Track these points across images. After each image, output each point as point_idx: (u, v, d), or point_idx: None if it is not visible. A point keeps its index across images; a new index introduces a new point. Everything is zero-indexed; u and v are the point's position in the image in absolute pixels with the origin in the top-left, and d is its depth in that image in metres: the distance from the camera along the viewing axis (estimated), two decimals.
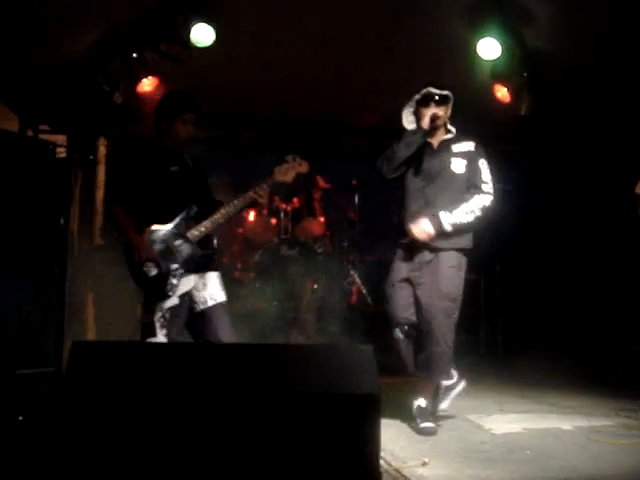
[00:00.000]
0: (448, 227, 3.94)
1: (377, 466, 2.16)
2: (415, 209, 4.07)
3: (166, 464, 2.09)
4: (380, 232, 7.65)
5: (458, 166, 4.09)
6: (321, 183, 6.98)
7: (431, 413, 4.01)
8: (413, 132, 4.11)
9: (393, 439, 3.70)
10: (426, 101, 4.08)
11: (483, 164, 4.12)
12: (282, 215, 6.90)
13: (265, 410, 2.07)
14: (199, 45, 5.25)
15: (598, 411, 4.54)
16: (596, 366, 6.30)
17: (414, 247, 4.05)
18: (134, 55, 5.29)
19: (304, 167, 4.11)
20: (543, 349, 6.79)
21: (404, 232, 4.07)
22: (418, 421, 3.94)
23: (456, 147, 4.13)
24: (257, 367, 2.20)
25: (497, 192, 4.15)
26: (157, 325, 3.80)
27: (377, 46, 5.96)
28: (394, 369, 5.99)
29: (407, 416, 4.26)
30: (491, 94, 6.06)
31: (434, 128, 4.10)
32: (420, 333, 4.01)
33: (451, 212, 3.95)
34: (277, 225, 6.93)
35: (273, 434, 2.07)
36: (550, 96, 6.21)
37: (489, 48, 5.75)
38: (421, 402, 4.03)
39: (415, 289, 4.03)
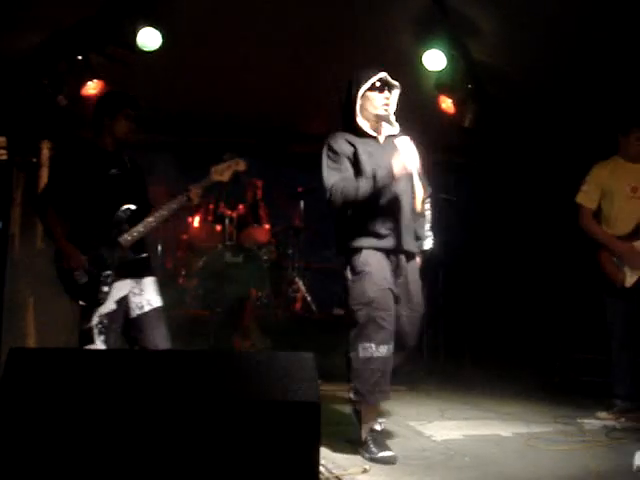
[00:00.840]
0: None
1: (316, 474, 2.16)
2: (385, 213, 3.68)
3: (101, 472, 2.05)
4: (325, 239, 7.69)
5: None
6: (259, 193, 6.97)
7: None
8: (383, 181, 3.57)
9: (334, 447, 3.69)
10: (383, 87, 3.75)
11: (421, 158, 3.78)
12: (227, 222, 6.87)
13: (203, 418, 2.05)
14: (146, 49, 5.19)
15: (537, 418, 4.62)
16: (536, 373, 6.42)
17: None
18: (79, 58, 5.20)
19: (241, 165, 4.04)
20: (485, 357, 6.90)
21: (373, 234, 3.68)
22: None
23: (397, 142, 3.66)
24: (196, 374, 2.17)
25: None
26: (95, 332, 3.72)
27: (324, 54, 5.98)
28: (338, 376, 6.05)
29: (349, 423, 4.27)
30: (436, 105, 6.14)
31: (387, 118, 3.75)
32: None
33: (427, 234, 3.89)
34: (222, 231, 6.89)
35: (210, 442, 2.05)
36: (493, 108, 6.33)
37: (434, 59, 5.83)
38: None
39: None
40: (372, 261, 3.62)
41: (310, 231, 7.42)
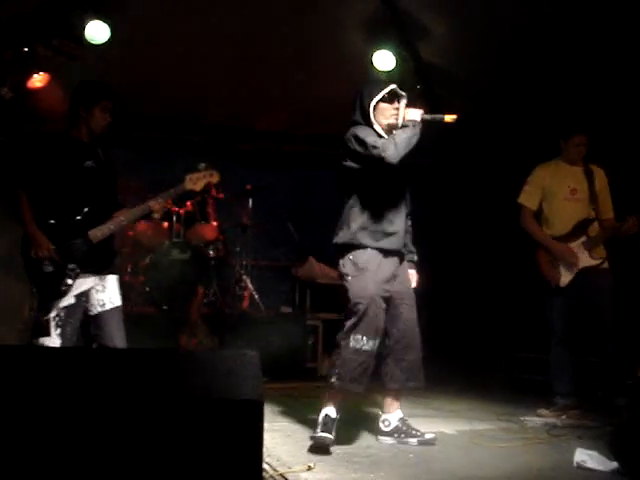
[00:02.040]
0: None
1: (259, 472, 2.14)
2: (391, 214, 3.87)
3: (40, 471, 2.00)
4: (274, 238, 7.69)
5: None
6: (213, 192, 6.91)
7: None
8: (413, 124, 3.77)
9: (280, 444, 3.69)
10: (393, 98, 3.90)
11: None
12: (174, 218, 6.80)
13: (144, 417, 2.02)
14: (94, 42, 5.12)
15: (480, 415, 4.70)
16: (480, 372, 6.52)
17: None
18: (25, 49, 5.08)
19: (215, 178, 4.05)
20: (431, 355, 6.95)
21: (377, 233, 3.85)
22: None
23: None
24: (138, 373, 2.14)
25: None
26: (52, 324, 3.67)
27: (275, 51, 5.99)
28: (284, 374, 6.06)
29: (295, 421, 4.28)
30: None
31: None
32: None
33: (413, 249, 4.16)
34: (169, 228, 6.81)
35: (153, 441, 2.02)
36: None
37: (384, 59, 5.88)
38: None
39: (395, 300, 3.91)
40: (375, 260, 3.81)
41: (258, 229, 7.39)
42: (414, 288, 4.07)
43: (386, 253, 3.85)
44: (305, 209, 7.71)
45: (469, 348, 6.98)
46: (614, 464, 3.23)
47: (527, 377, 6.16)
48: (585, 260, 4.89)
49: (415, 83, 6.13)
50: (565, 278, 4.89)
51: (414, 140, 3.74)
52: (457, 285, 7.59)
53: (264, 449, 3.39)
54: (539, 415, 4.73)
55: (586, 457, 3.33)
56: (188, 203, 6.92)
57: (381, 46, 5.84)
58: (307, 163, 8.05)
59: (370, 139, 3.75)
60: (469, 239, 7.66)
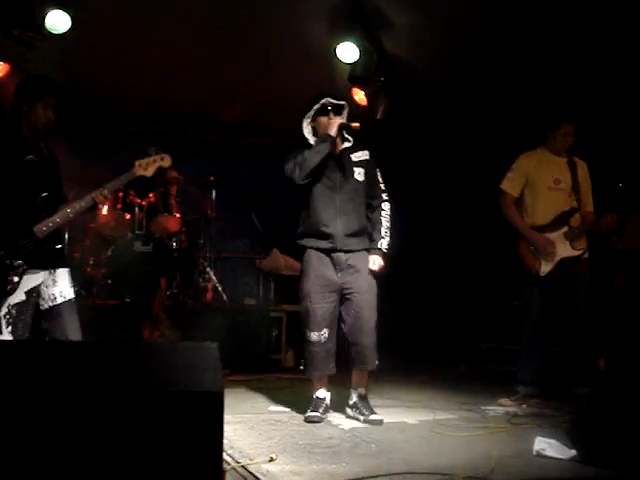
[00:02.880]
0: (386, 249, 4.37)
1: (219, 464, 2.14)
2: (326, 217, 4.22)
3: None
4: (238, 229, 7.66)
5: (359, 174, 4.33)
6: (175, 174, 6.85)
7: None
8: (322, 140, 4.21)
9: (243, 436, 3.68)
10: (326, 111, 4.25)
11: (378, 171, 4.46)
12: (137, 210, 6.74)
13: (103, 409, 2.00)
14: (54, 32, 5.03)
15: (442, 405, 4.73)
16: (444, 363, 6.58)
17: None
18: None
19: (166, 161, 3.99)
20: (393, 347, 7.00)
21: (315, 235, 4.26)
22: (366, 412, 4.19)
23: (355, 156, 4.36)
24: (98, 365, 2.12)
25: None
26: (3, 322, 3.60)
27: (238, 43, 5.94)
28: (248, 366, 6.06)
29: (259, 412, 4.28)
30: (349, 97, 6.19)
31: (342, 136, 4.32)
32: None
33: (383, 236, 4.36)
34: (131, 220, 6.75)
35: (112, 434, 2.00)
36: (405, 102, 6.43)
37: (348, 52, 5.87)
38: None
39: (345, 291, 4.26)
40: (313, 259, 4.24)
41: (222, 221, 7.36)
42: (376, 272, 4.31)
43: (326, 252, 4.23)
44: (269, 201, 7.68)
45: (433, 339, 7.03)
46: (572, 452, 3.28)
47: (490, 367, 6.23)
48: (566, 250, 4.91)
49: (379, 75, 6.14)
50: (545, 267, 4.91)
51: (318, 158, 4.17)
52: (421, 276, 7.63)
53: (226, 441, 3.44)
54: (500, 404, 4.78)
55: (545, 445, 3.37)
56: (151, 195, 6.87)
57: (345, 38, 5.83)
58: (272, 155, 7.99)
59: (288, 165, 4.26)
60: (432, 231, 7.71)
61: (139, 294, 6.41)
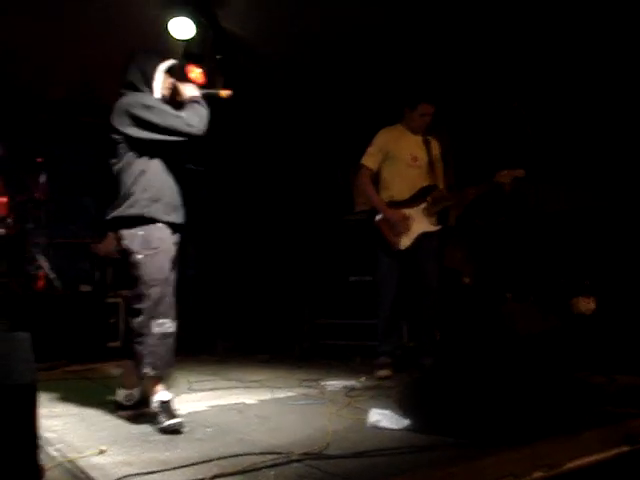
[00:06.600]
0: None
1: (34, 461, 2.01)
2: (172, 180, 3.75)
3: None
4: (70, 213, 7.32)
5: None
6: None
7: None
8: (197, 100, 3.72)
9: (73, 429, 3.50)
10: (171, 71, 3.83)
11: None
12: None
13: None
14: None
15: (282, 383, 4.77)
16: (284, 341, 6.62)
17: None
18: None
19: None
20: (235, 328, 6.99)
21: None
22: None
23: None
24: None
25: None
26: None
27: (63, 18, 5.66)
28: (86, 356, 5.85)
29: (91, 404, 4.11)
30: (184, 75, 6.04)
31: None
32: None
33: None
34: None
35: None
36: (242, 79, 6.37)
37: (182, 27, 5.73)
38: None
39: None
40: (165, 237, 3.62)
41: (54, 204, 6.98)
42: None
43: (174, 228, 3.71)
44: (104, 182, 7.37)
45: (273, 319, 7.06)
46: (406, 422, 3.38)
47: (329, 343, 6.34)
48: (425, 225, 5.08)
49: (215, 52, 6.05)
50: (405, 242, 5.04)
51: (208, 114, 3.69)
52: (258, 256, 7.66)
53: (55, 436, 3.27)
54: (377, 377, 4.92)
55: (380, 417, 3.45)
56: None
57: (178, 13, 5.68)
58: (106, 134, 7.71)
59: (169, 109, 3.62)
60: (271, 210, 7.75)
61: None
